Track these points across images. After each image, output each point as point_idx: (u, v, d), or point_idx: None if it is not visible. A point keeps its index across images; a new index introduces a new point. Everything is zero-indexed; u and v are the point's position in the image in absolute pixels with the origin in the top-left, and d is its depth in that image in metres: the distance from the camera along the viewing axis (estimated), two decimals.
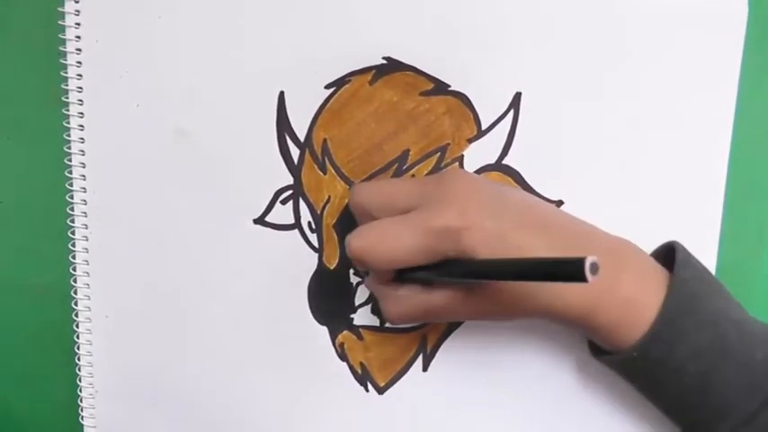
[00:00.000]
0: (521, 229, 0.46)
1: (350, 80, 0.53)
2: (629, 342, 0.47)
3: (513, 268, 0.41)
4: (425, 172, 0.54)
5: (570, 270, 0.35)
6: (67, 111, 0.54)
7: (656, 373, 0.48)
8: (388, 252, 0.46)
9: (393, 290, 0.49)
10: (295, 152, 0.54)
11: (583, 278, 0.34)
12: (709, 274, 0.50)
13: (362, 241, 0.47)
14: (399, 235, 0.45)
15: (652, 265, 0.49)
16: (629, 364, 0.48)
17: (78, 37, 0.53)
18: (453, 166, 0.54)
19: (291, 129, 0.54)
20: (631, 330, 0.47)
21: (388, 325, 0.57)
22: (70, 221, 0.56)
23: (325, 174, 0.55)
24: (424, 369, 0.58)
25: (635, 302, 0.47)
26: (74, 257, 0.57)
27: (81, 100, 0.54)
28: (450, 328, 0.57)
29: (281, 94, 0.54)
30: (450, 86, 0.53)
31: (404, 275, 0.49)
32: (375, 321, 0.57)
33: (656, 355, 0.47)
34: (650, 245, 0.53)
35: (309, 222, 0.56)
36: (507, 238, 0.45)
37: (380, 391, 0.58)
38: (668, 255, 0.51)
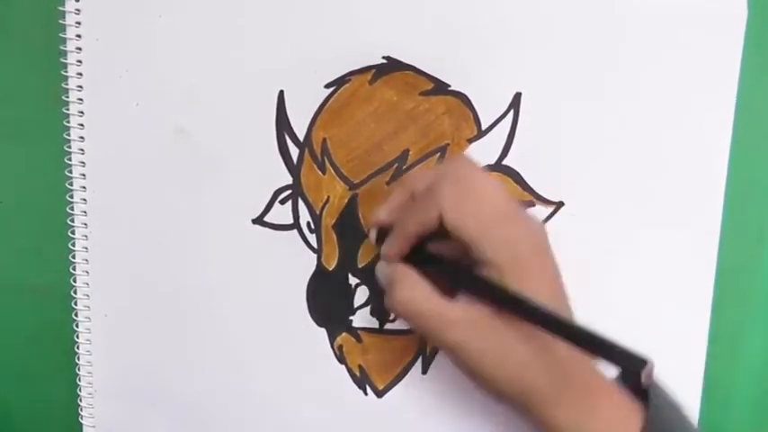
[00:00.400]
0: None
1: (350, 80, 0.53)
2: None
3: (562, 326, 0.41)
4: None
5: (629, 367, 0.35)
6: (67, 110, 0.54)
7: None
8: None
9: (404, 274, 0.47)
10: (294, 152, 0.54)
11: (635, 377, 0.34)
12: (681, 412, 0.48)
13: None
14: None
15: (625, 402, 0.46)
16: None
17: (78, 36, 0.54)
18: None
19: (291, 128, 0.54)
20: None
21: (387, 327, 0.57)
22: (70, 221, 0.56)
23: (324, 174, 0.55)
24: (424, 372, 0.58)
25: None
26: (74, 257, 0.57)
27: (81, 99, 0.54)
28: None
29: (281, 93, 0.54)
30: (449, 86, 0.53)
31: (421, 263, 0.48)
32: (374, 323, 0.57)
33: None
34: (650, 244, 0.53)
35: (308, 222, 0.56)
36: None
37: (379, 394, 0.58)
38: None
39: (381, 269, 0.50)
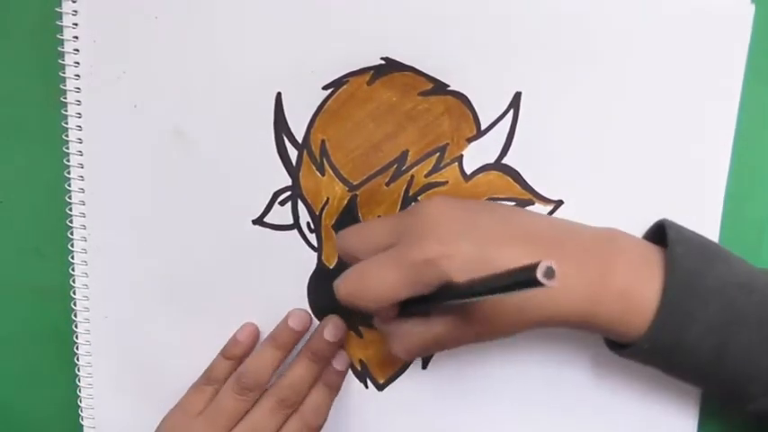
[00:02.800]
0: (498, 243, 0.46)
1: (348, 81, 0.53)
2: (638, 333, 0.46)
3: (476, 286, 0.41)
4: (424, 172, 0.54)
5: (526, 277, 0.34)
6: (66, 111, 0.54)
7: (671, 358, 0.47)
8: (373, 292, 0.46)
9: (396, 327, 0.50)
10: (293, 153, 0.54)
11: (538, 283, 0.33)
12: (705, 241, 0.49)
13: (348, 285, 0.48)
14: (381, 273, 0.46)
15: (644, 249, 0.49)
16: (644, 355, 0.48)
17: (76, 37, 0.53)
18: (426, 197, 0.54)
19: (289, 130, 0.54)
20: (636, 322, 0.46)
21: None
22: (70, 222, 0.57)
23: (323, 175, 0.55)
24: (424, 366, 0.58)
25: (633, 293, 0.46)
26: (73, 258, 0.57)
27: (79, 100, 0.54)
28: None
29: (279, 95, 0.53)
30: (449, 86, 0.53)
31: (405, 310, 0.49)
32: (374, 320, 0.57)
33: (667, 341, 0.46)
34: None
35: (308, 223, 0.56)
36: (486, 256, 0.45)
37: (380, 388, 0.59)
38: (660, 233, 0.50)
39: (377, 326, 0.53)
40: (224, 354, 0.57)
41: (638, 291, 0.46)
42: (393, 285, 0.46)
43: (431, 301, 0.46)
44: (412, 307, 0.48)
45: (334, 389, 0.57)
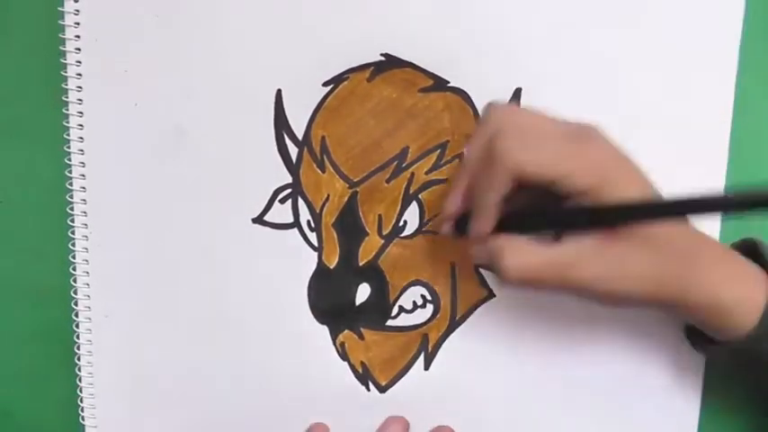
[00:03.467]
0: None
1: (348, 77, 0.53)
2: (746, 328, 0.46)
3: (667, 206, 0.42)
4: (425, 170, 0.54)
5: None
6: (67, 110, 0.54)
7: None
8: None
9: (507, 240, 0.46)
10: (293, 151, 0.54)
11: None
12: None
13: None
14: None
15: (750, 264, 0.48)
16: (741, 353, 0.47)
17: (78, 36, 0.54)
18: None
19: (289, 127, 0.54)
20: (750, 313, 0.45)
21: (389, 324, 0.57)
22: (70, 221, 0.56)
23: (323, 172, 0.55)
24: (426, 368, 0.58)
25: (747, 301, 0.46)
26: (74, 257, 0.57)
27: (80, 99, 0.54)
28: (452, 326, 0.57)
29: (279, 92, 0.54)
30: (449, 83, 0.53)
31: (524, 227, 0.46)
32: (376, 321, 0.57)
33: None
34: None
35: (308, 221, 0.56)
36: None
37: (382, 390, 0.58)
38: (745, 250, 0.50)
39: (479, 251, 0.48)
40: None
41: (752, 300, 0.46)
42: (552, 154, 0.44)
43: (571, 221, 0.45)
44: (524, 223, 0.46)
45: None
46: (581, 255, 0.44)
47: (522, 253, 0.45)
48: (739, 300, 0.45)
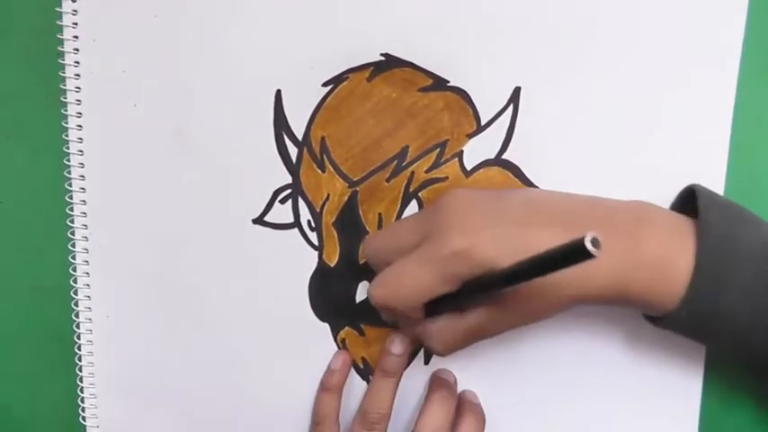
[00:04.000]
0: (526, 226, 0.45)
1: (347, 77, 0.53)
2: (673, 303, 0.46)
3: (523, 269, 0.41)
4: (425, 168, 0.54)
5: (575, 253, 0.35)
6: (66, 111, 0.54)
7: (707, 325, 0.47)
8: (409, 292, 0.47)
9: (430, 326, 0.50)
10: (293, 151, 0.54)
11: (589, 255, 0.34)
12: (736, 207, 0.49)
13: (383, 288, 0.48)
14: (415, 272, 0.47)
15: (674, 218, 0.48)
16: (680, 323, 0.47)
17: (76, 37, 0.54)
18: (447, 191, 0.52)
19: (289, 127, 0.54)
20: (671, 291, 0.45)
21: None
22: (70, 222, 0.57)
23: (323, 172, 0.55)
24: (426, 362, 0.58)
25: (666, 261, 0.45)
26: (74, 257, 0.57)
27: (79, 100, 0.54)
28: None
29: (278, 92, 0.53)
30: (448, 82, 0.53)
31: (435, 309, 0.49)
32: (376, 317, 0.57)
33: (703, 308, 0.45)
34: None
35: (309, 221, 0.56)
36: (515, 241, 0.44)
37: None
38: (689, 199, 0.50)
39: (414, 333, 0.53)
40: (324, 387, 0.58)
41: (671, 260, 0.46)
42: (428, 283, 0.46)
43: (463, 295, 0.47)
44: (444, 304, 0.48)
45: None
46: (483, 319, 0.48)
47: (442, 335, 0.50)
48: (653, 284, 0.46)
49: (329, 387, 0.57)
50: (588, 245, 0.33)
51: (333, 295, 0.57)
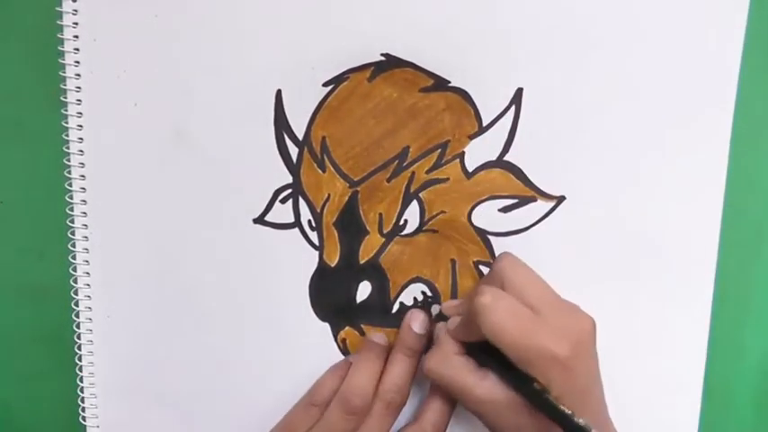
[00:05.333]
0: None
1: (348, 77, 0.53)
2: None
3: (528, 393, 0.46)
4: (426, 169, 0.54)
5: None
6: (66, 110, 0.54)
7: None
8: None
9: (451, 344, 0.52)
10: (294, 151, 0.54)
11: None
12: None
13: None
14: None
15: None
16: None
17: (76, 37, 0.53)
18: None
19: (289, 127, 0.54)
20: None
21: (389, 320, 0.57)
22: (70, 222, 0.56)
23: (324, 172, 0.55)
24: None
25: None
26: (74, 257, 0.57)
27: (79, 100, 0.54)
28: None
29: (279, 92, 0.53)
30: (450, 82, 0.53)
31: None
32: (377, 317, 0.57)
33: None
34: (650, 241, 0.53)
35: (309, 221, 0.56)
36: None
37: None
38: None
39: (439, 328, 0.55)
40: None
41: None
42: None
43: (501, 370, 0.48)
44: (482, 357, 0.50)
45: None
46: (490, 398, 0.49)
47: (446, 361, 0.52)
48: None
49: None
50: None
51: (333, 295, 0.57)
